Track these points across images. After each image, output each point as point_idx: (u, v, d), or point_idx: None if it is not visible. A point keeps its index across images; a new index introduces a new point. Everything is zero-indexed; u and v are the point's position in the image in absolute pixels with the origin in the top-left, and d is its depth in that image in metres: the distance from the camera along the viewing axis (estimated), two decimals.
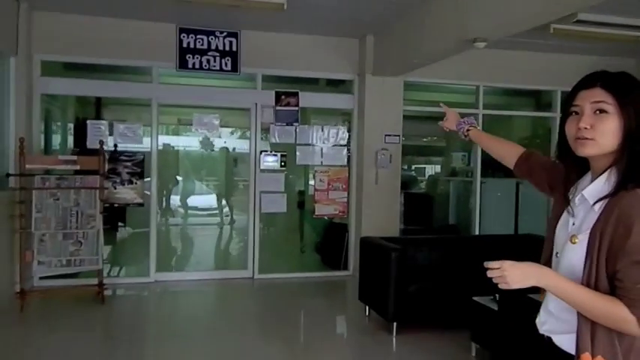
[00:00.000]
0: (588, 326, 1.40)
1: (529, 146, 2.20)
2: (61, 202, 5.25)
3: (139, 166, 6.09)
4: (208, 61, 6.27)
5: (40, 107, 5.94)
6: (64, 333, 4.54)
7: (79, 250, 5.31)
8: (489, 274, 1.39)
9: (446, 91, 7.70)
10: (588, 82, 1.44)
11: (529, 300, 2.74)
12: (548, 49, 6.86)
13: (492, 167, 7.33)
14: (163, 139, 7.51)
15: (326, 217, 7.01)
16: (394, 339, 4.52)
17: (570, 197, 1.52)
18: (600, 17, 5.42)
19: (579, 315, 1.41)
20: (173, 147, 8.65)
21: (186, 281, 6.45)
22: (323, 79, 7.14)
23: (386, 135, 6.62)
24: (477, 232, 7.38)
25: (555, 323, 1.53)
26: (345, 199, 6.86)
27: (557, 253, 1.52)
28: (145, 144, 6.28)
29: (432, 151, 11.49)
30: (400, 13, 5.51)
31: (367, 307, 5.11)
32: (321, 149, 6.79)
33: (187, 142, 8.84)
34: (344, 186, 6.84)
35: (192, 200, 9.36)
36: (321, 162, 6.79)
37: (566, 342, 1.49)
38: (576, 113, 1.45)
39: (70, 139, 7.23)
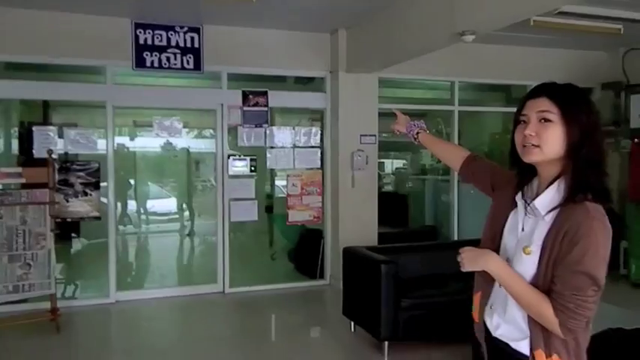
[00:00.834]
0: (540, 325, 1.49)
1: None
2: (5, 221, 4.64)
3: (93, 176, 5.46)
4: (168, 58, 5.74)
5: None
6: None
7: (27, 274, 4.71)
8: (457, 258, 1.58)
9: (421, 87, 7.39)
10: (535, 92, 1.52)
11: None
12: (526, 43, 6.65)
13: None
14: (119, 141, 6.92)
15: (299, 224, 6.60)
16: None
17: (518, 202, 1.58)
18: (582, 9, 5.26)
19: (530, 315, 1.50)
20: (129, 149, 8.08)
21: (151, 299, 5.88)
22: (293, 77, 6.72)
23: (361, 135, 6.26)
24: (455, 233, 7.13)
25: (513, 331, 1.58)
26: (320, 204, 6.46)
27: (507, 258, 1.58)
28: (100, 150, 5.70)
29: (395, 147, 11.05)
30: (378, 4, 5.13)
31: (352, 323, 4.74)
32: (293, 151, 6.36)
33: (145, 144, 8.27)
34: (318, 190, 6.44)
35: (153, 206, 8.86)
36: (294, 165, 6.37)
37: (524, 347, 1.55)
38: (524, 122, 1.52)
39: (15, 147, 6.57)
